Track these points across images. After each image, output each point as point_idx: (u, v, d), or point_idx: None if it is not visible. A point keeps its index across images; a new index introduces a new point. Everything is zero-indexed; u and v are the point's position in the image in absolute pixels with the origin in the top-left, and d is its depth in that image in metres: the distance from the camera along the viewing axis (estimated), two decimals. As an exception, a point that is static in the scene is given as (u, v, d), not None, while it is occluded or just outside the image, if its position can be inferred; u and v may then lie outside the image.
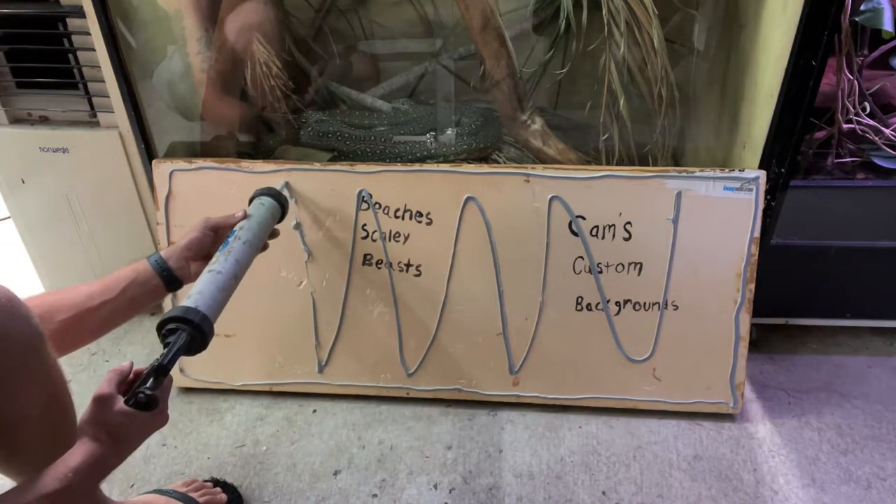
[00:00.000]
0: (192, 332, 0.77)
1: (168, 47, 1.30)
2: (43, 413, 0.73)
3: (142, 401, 0.70)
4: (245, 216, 1.00)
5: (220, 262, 0.88)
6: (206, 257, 0.94)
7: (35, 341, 0.70)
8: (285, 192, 1.12)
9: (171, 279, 0.92)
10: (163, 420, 0.74)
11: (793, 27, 1.01)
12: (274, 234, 1.06)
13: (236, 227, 0.97)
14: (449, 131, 1.34)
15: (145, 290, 0.90)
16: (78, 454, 0.68)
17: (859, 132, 1.25)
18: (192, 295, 0.82)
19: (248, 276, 1.24)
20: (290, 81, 1.34)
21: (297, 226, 1.21)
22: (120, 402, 0.69)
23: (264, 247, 1.02)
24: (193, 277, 0.93)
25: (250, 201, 1.06)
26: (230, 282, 0.87)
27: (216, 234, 0.98)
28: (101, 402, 0.69)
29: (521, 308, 1.21)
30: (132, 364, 0.75)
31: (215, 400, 1.31)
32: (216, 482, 1.11)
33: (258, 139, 1.41)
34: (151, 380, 0.71)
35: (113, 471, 0.71)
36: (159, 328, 0.77)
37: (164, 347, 0.75)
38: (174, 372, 1.29)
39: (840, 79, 1.21)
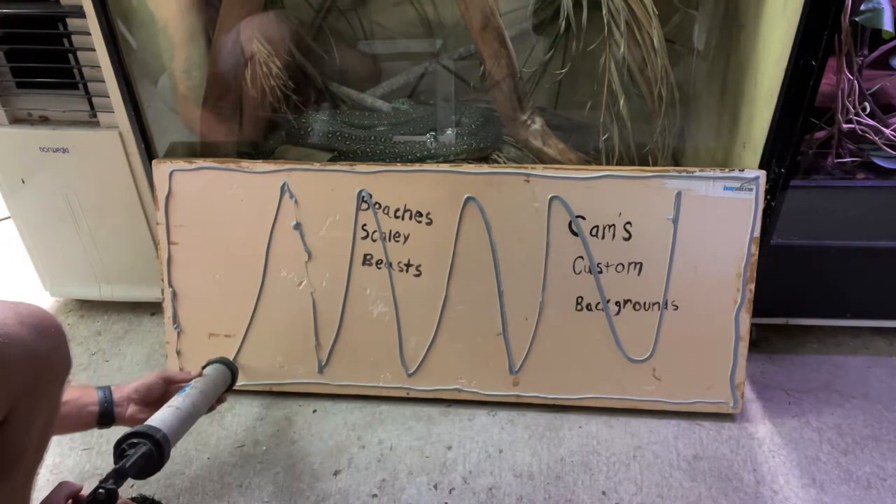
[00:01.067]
0: (152, 447, 0.83)
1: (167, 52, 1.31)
2: (39, 440, 0.73)
3: (101, 497, 0.74)
4: (200, 375, 1.09)
5: (178, 401, 0.97)
6: (148, 404, 1.00)
7: (66, 372, 0.72)
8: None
9: (107, 413, 0.97)
10: None
11: (793, 27, 1.01)
12: (221, 398, 1.12)
13: (192, 382, 1.05)
14: (449, 131, 1.34)
15: (80, 413, 0.94)
16: None
17: (859, 132, 1.26)
18: (155, 419, 0.89)
19: (248, 276, 1.24)
20: (290, 81, 1.34)
21: (297, 226, 1.21)
22: None
23: (211, 408, 1.08)
24: (127, 420, 0.98)
25: (203, 368, 1.14)
26: (187, 419, 0.95)
27: (168, 387, 1.05)
28: None
29: (521, 308, 1.21)
30: (83, 486, 0.80)
31: (215, 400, 1.31)
32: (143, 499, 1.11)
33: (254, 144, 1.41)
34: (111, 480, 0.76)
35: None
36: (118, 443, 0.83)
37: (122, 457, 0.80)
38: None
39: (840, 79, 1.21)
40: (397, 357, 1.26)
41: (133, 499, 1.10)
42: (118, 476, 0.76)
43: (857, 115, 1.24)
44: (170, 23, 1.20)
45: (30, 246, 1.47)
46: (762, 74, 1.13)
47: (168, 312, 1.28)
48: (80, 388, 0.95)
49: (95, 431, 1.23)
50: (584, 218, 1.16)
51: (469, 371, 1.25)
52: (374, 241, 1.21)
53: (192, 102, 1.29)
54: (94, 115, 1.29)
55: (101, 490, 0.74)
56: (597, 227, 1.17)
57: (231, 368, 1.16)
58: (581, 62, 1.25)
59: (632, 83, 1.23)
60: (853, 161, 1.29)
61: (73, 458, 1.18)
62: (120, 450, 0.82)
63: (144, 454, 0.81)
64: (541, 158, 1.29)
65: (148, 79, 1.26)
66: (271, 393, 1.31)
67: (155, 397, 1.02)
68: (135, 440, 0.83)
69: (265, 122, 1.40)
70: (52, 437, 0.73)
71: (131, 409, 0.99)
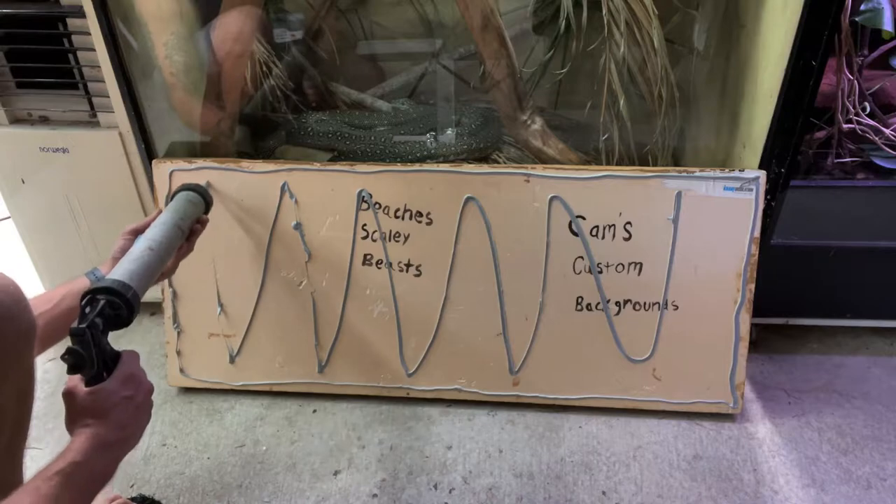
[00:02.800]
0: (109, 298, 0.79)
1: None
2: (16, 405, 0.73)
3: (68, 361, 0.72)
4: (155, 214, 1.02)
5: (137, 244, 0.93)
6: None
7: (32, 333, 0.71)
8: (208, 188, 1.14)
9: None
10: (123, 377, 0.75)
11: (793, 27, 1.01)
12: (202, 220, 1.07)
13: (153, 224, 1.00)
14: (449, 131, 1.34)
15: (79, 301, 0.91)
16: (76, 443, 0.69)
17: (859, 132, 1.26)
18: (114, 271, 0.86)
19: (248, 276, 1.24)
20: (290, 81, 1.34)
21: (297, 226, 1.21)
22: (82, 387, 0.71)
23: (191, 235, 1.04)
24: None
25: (166, 201, 1.08)
26: (148, 256, 0.90)
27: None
28: (69, 396, 0.71)
29: (521, 308, 1.21)
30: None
31: (215, 400, 1.31)
32: (143, 499, 1.10)
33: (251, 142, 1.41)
34: (73, 342, 0.72)
35: (128, 448, 0.74)
36: (81, 307, 0.79)
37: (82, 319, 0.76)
38: (175, 375, 1.30)
39: (840, 79, 1.21)
40: (397, 357, 1.26)
41: (133, 499, 1.10)
42: (73, 336, 0.73)
43: (857, 115, 1.24)
44: (144, 10, 1.19)
45: (30, 246, 1.47)
46: (762, 74, 1.13)
47: (168, 312, 1.28)
48: (71, 282, 0.93)
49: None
50: (584, 218, 1.17)
51: (469, 371, 1.25)
52: (374, 241, 1.21)
53: (180, 89, 1.28)
54: (94, 115, 1.29)
55: (64, 356, 0.72)
56: (597, 227, 1.17)
57: (198, 191, 1.08)
58: (581, 62, 1.25)
59: (632, 83, 1.23)
60: (853, 161, 1.29)
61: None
62: (81, 312, 0.79)
63: (97, 308, 0.77)
64: (541, 158, 1.29)
65: (148, 77, 1.26)
66: (271, 393, 1.31)
67: None
68: (84, 300, 0.79)
69: (269, 93, 1.37)
70: (59, 413, 0.71)
71: None
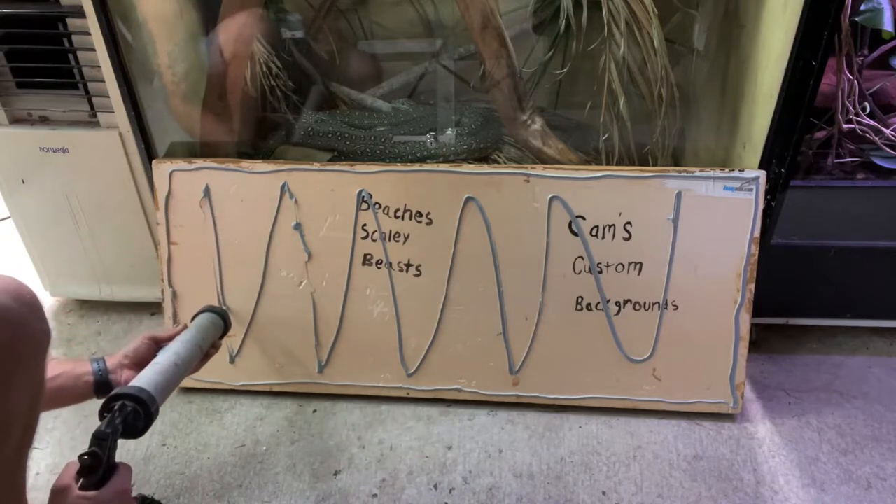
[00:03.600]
0: (133, 405, 0.82)
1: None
2: (27, 412, 0.74)
3: (86, 463, 0.72)
4: (180, 329, 1.06)
5: (161, 357, 0.96)
6: (141, 366, 0.97)
7: (46, 342, 0.72)
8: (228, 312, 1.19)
9: (103, 381, 0.95)
10: (116, 491, 0.76)
11: (793, 27, 1.01)
12: (215, 345, 1.11)
13: (178, 336, 1.03)
14: (449, 131, 1.34)
15: (76, 384, 0.93)
16: None
17: (859, 132, 1.25)
18: (139, 378, 0.88)
19: (248, 276, 1.24)
20: (290, 81, 1.34)
21: (297, 226, 1.21)
22: (75, 490, 0.72)
23: (206, 356, 1.08)
24: (124, 384, 0.96)
25: (191, 320, 1.12)
26: (171, 371, 0.93)
27: (157, 346, 1.02)
28: (60, 494, 0.72)
29: (521, 308, 1.21)
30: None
31: (215, 400, 1.31)
32: (144, 499, 1.10)
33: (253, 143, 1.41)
34: (92, 444, 0.74)
35: None
36: (101, 410, 0.81)
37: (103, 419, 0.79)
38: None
39: (840, 79, 1.21)
40: (397, 357, 1.26)
41: (132, 498, 1.10)
42: (97, 440, 0.74)
43: (857, 115, 1.24)
44: (149, 18, 1.20)
45: (30, 246, 1.47)
46: (762, 74, 1.13)
47: (168, 312, 1.28)
48: (72, 361, 0.95)
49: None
50: (584, 218, 1.17)
51: (469, 371, 1.25)
52: (374, 241, 1.21)
53: (180, 98, 1.28)
54: (94, 115, 1.29)
55: (84, 457, 0.73)
56: (597, 227, 1.17)
57: (221, 315, 1.13)
58: (581, 62, 1.25)
59: (632, 83, 1.23)
60: (853, 161, 1.29)
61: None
62: (101, 416, 0.81)
63: (124, 414, 0.79)
64: (541, 158, 1.29)
65: (148, 79, 1.26)
66: (271, 393, 1.31)
67: (145, 359, 0.99)
68: (114, 403, 0.81)
69: (259, 121, 1.38)
70: (59, 414, 0.72)
71: (126, 375, 0.97)
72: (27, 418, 0.74)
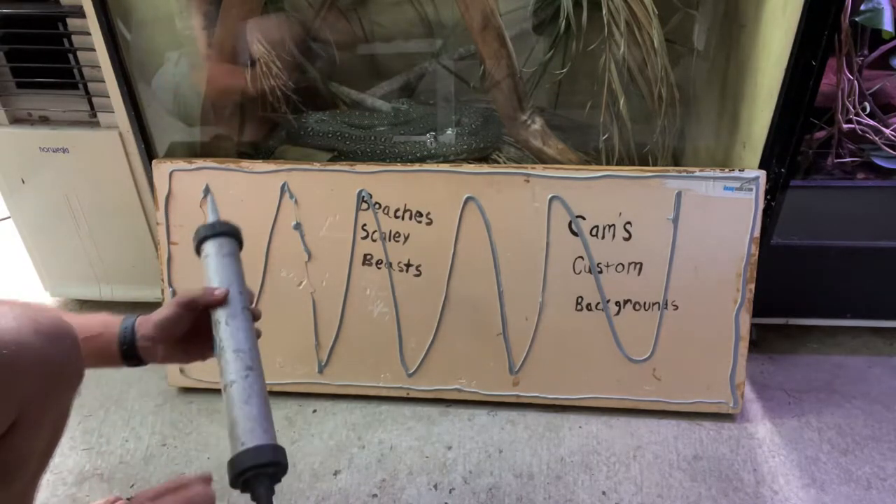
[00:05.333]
0: (268, 471, 0.67)
1: (166, 53, 1.30)
2: (47, 444, 0.73)
3: None
4: (224, 294, 0.84)
5: (227, 372, 0.74)
6: (177, 341, 0.82)
7: (79, 381, 0.70)
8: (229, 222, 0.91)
9: (130, 353, 0.81)
10: None
11: (793, 27, 1.01)
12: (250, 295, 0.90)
13: (219, 314, 0.81)
14: (449, 131, 1.34)
15: (102, 353, 0.80)
16: None
17: (859, 132, 1.26)
18: (232, 435, 0.70)
19: (248, 276, 1.23)
20: (290, 81, 1.34)
21: (297, 226, 1.21)
22: None
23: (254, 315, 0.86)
24: (160, 360, 0.82)
25: (201, 244, 0.89)
26: (255, 384, 0.75)
27: (195, 315, 0.83)
28: None
29: (521, 308, 1.21)
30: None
31: (215, 400, 1.31)
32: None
33: (260, 133, 1.41)
34: None
35: None
36: (235, 479, 0.67)
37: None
38: (175, 375, 1.30)
39: (840, 79, 1.21)
40: (397, 357, 1.26)
41: (131, 499, 1.10)
42: None
43: (857, 115, 1.24)
44: None
45: (30, 246, 1.47)
46: (762, 74, 1.13)
47: (168, 312, 1.28)
48: (102, 323, 0.81)
49: (96, 431, 1.23)
50: (584, 218, 1.17)
51: (469, 371, 1.25)
52: (374, 241, 1.21)
53: (215, 59, 1.24)
54: (94, 115, 1.29)
55: None
56: (597, 227, 1.17)
57: (236, 237, 0.91)
58: (581, 62, 1.25)
59: (632, 83, 1.23)
60: (853, 161, 1.29)
61: (73, 458, 1.18)
62: (244, 488, 0.68)
63: (265, 483, 0.67)
64: (541, 158, 1.29)
65: (147, 79, 1.26)
66: (271, 393, 1.30)
67: (183, 331, 0.83)
68: (250, 475, 0.66)
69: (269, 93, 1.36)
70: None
71: (162, 351, 0.82)
72: (44, 452, 0.74)
